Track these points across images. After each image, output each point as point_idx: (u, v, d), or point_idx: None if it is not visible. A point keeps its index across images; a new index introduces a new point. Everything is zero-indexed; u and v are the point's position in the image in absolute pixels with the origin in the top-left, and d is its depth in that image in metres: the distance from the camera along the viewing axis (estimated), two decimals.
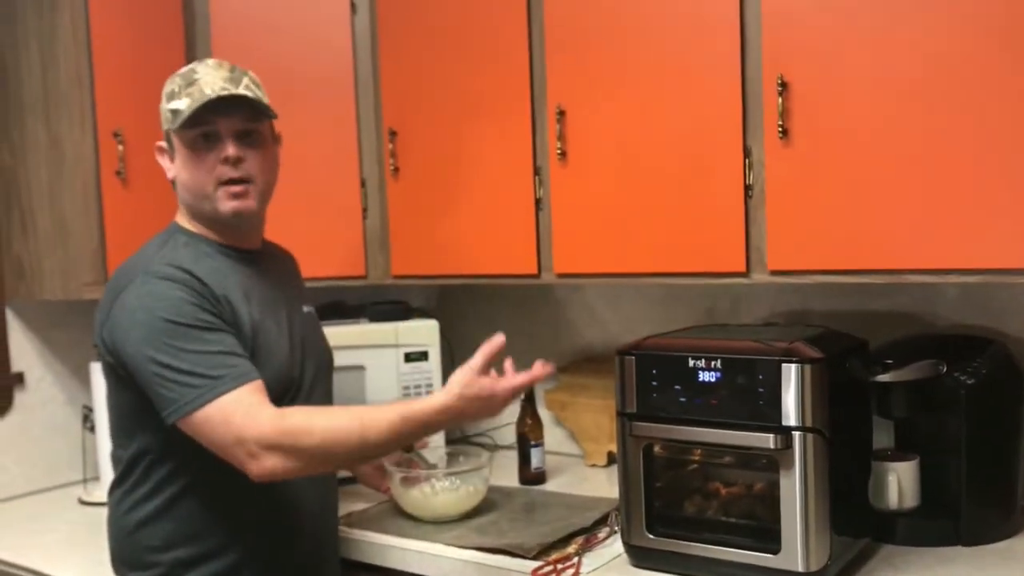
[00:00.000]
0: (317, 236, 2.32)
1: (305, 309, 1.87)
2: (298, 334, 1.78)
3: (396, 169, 2.35)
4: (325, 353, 1.89)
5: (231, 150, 1.66)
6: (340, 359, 2.03)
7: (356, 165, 2.40)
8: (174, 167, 1.72)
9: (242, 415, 1.50)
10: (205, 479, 1.64)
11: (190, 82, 1.66)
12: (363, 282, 2.44)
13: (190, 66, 1.71)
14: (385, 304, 2.50)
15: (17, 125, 2.36)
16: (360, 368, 2.33)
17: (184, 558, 1.66)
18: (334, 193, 2.40)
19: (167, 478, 1.65)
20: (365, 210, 2.41)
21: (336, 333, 2.04)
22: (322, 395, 1.84)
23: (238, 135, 1.68)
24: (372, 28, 2.37)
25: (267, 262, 1.82)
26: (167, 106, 1.68)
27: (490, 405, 1.59)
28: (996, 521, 1.81)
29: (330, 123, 2.39)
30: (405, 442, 1.71)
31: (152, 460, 1.66)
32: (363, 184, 2.40)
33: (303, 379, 1.75)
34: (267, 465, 1.50)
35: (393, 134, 2.34)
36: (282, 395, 1.66)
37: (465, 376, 1.57)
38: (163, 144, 1.74)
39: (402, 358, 2.39)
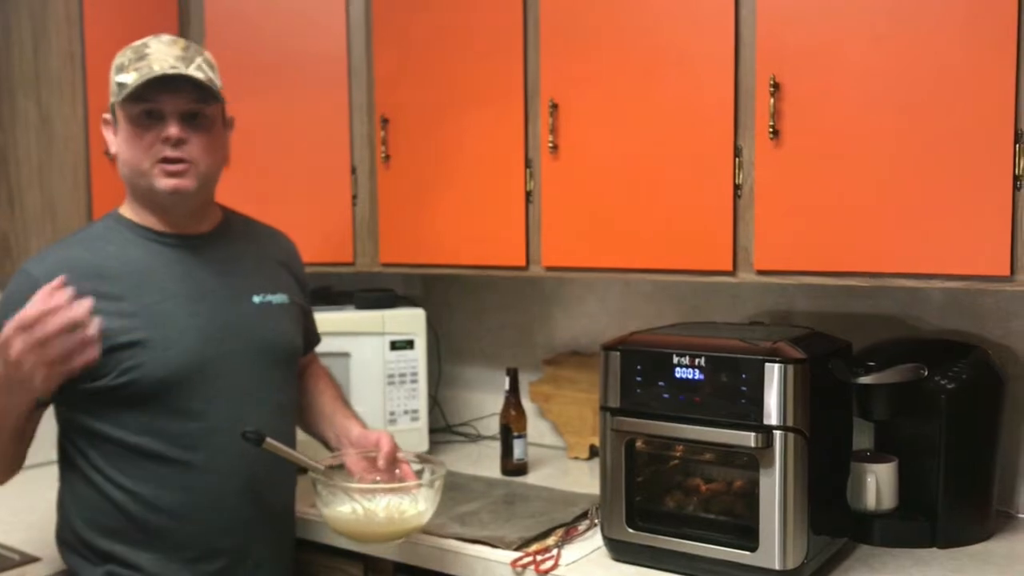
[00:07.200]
0: (306, 221, 2.31)
1: (257, 299, 1.75)
2: (222, 322, 1.69)
3: (387, 157, 2.35)
4: (272, 343, 1.76)
5: (173, 130, 1.61)
6: (325, 345, 2.04)
7: (347, 152, 2.39)
8: (116, 141, 1.68)
9: None
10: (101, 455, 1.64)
11: (140, 56, 1.62)
12: (350, 269, 2.44)
13: (144, 40, 1.66)
14: (372, 292, 2.50)
15: (7, 101, 2.33)
16: (345, 355, 2.33)
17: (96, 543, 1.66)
18: (324, 179, 2.40)
19: (69, 457, 1.68)
20: (355, 197, 2.40)
21: (322, 319, 2.03)
22: (252, 384, 1.71)
23: (184, 116, 1.63)
24: (367, 14, 2.36)
25: (215, 248, 1.75)
26: (115, 78, 1.64)
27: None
28: (972, 524, 1.83)
29: (322, 109, 2.38)
30: None
31: (61, 441, 1.70)
32: (353, 171, 2.40)
33: (215, 367, 1.66)
34: None
35: (385, 121, 2.34)
36: (183, 381, 1.62)
37: None
38: (108, 117, 1.70)
39: (388, 346, 2.39)
